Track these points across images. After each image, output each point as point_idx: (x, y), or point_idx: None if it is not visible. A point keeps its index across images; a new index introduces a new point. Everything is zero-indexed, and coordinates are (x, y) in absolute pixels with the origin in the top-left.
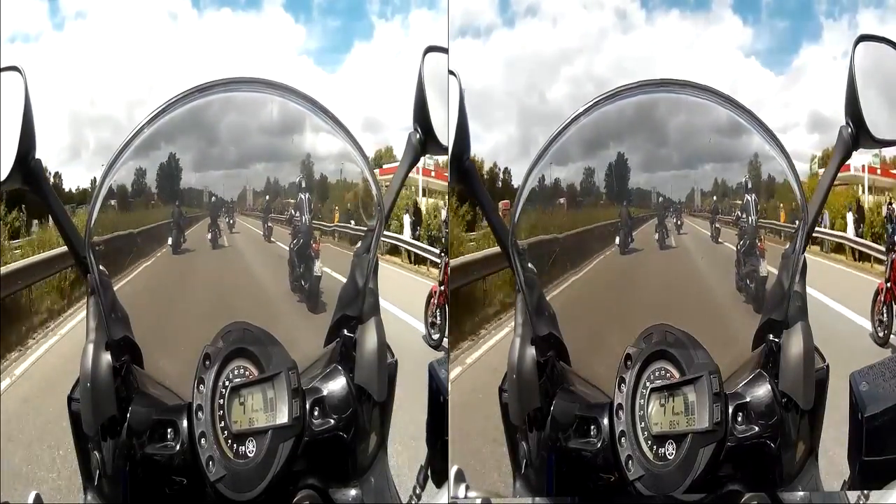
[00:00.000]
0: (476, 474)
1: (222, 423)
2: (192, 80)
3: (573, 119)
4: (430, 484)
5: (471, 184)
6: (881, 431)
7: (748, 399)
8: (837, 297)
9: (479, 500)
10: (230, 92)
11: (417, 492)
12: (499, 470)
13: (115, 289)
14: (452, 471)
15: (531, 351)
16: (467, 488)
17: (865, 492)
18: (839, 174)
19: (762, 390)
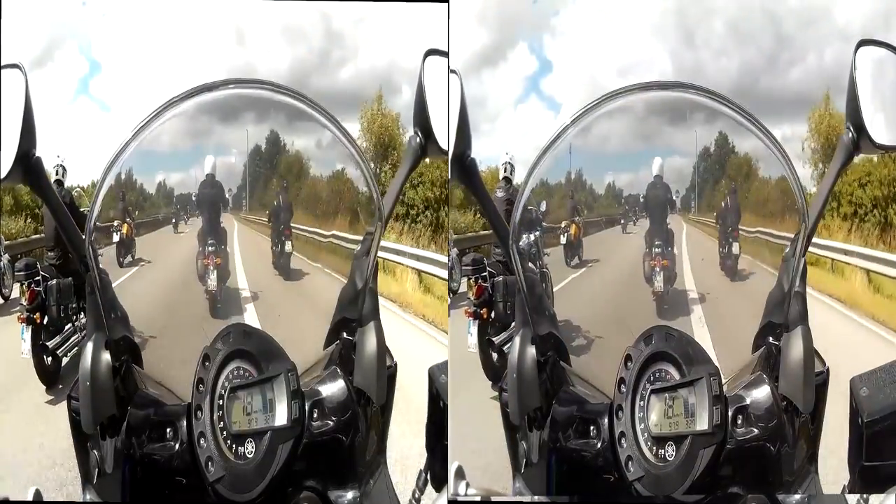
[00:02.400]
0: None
1: (221, 423)
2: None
3: (573, 121)
4: (429, 488)
5: (472, 183)
6: (881, 436)
7: (748, 402)
8: None
9: (478, 498)
10: (229, 90)
11: (417, 496)
12: None
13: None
14: (452, 467)
15: (531, 350)
16: (467, 485)
17: (865, 496)
18: None
19: (762, 393)
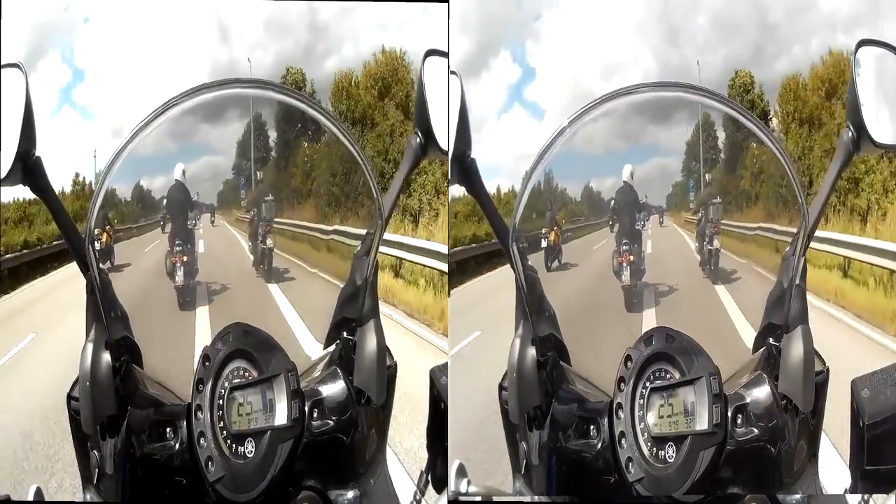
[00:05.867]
0: None
1: (221, 423)
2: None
3: (572, 121)
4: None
5: (472, 183)
6: (883, 439)
7: (748, 401)
8: None
9: (479, 497)
10: (229, 90)
11: (418, 497)
12: None
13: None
14: (454, 465)
15: (531, 350)
16: (468, 483)
17: (866, 496)
18: None
19: (762, 393)
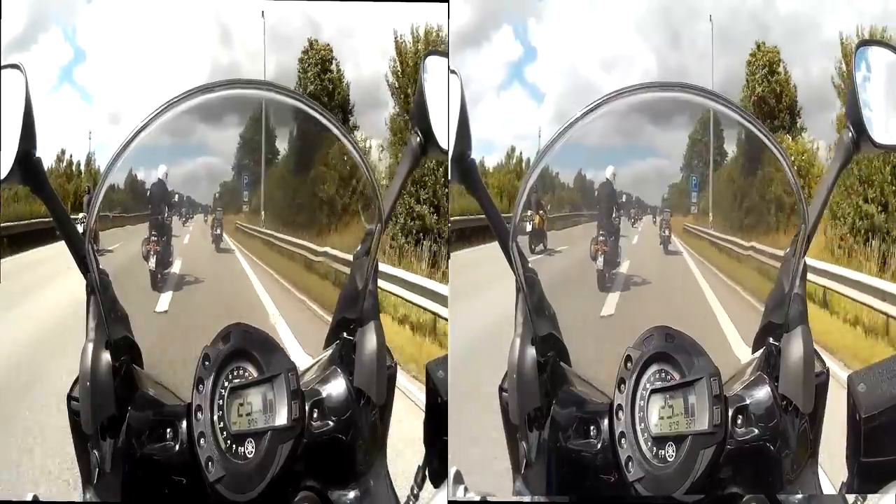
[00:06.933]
0: None
1: (221, 423)
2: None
3: (576, 120)
4: (427, 485)
5: (472, 183)
6: (879, 433)
7: (748, 402)
8: None
9: (477, 499)
10: (228, 91)
11: (415, 492)
12: None
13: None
14: (451, 472)
15: (531, 351)
16: (466, 490)
17: (863, 495)
18: None
19: (762, 393)
